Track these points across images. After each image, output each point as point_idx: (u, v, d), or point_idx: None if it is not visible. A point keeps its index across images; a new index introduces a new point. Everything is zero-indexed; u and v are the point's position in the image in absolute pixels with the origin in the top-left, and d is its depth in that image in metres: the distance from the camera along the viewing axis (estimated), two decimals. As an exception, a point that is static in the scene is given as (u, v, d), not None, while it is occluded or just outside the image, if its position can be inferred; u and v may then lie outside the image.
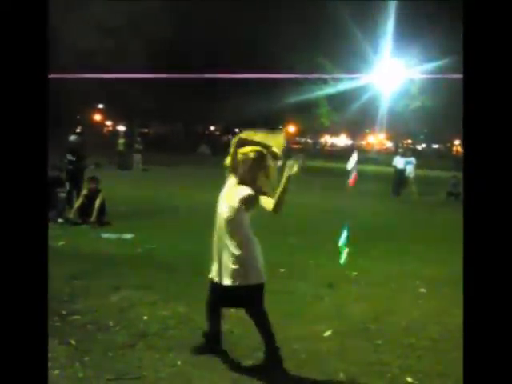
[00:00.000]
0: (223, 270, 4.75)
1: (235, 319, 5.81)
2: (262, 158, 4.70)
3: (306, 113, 51.21)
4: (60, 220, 11.73)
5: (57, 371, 4.54)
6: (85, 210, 11.86)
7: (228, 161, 4.85)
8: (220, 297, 4.90)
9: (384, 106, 39.73)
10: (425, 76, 37.19)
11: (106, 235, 10.56)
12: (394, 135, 66.72)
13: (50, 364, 4.64)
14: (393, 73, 35.60)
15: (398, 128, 53.56)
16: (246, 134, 4.83)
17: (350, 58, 36.58)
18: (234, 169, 4.83)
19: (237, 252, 4.67)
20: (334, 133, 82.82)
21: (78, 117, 60.78)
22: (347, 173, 5.17)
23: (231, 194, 4.75)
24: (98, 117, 63.72)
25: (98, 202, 11.88)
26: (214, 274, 4.88)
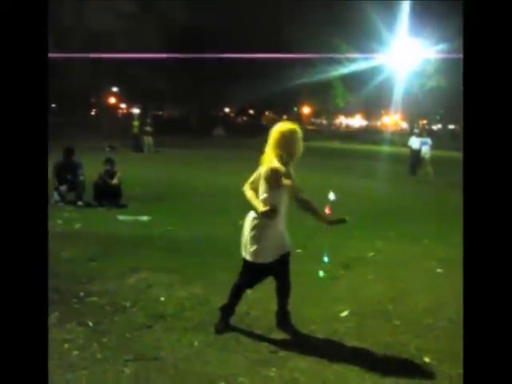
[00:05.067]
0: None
1: (252, 301, 5.82)
2: None
3: (320, 94, 51.06)
4: (80, 203, 11.78)
5: (75, 352, 4.58)
6: (100, 193, 11.89)
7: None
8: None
9: (399, 86, 39.52)
10: (440, 56, 36.85)
11: (122, 217, 10.59)
12: (409, 116, 66.31)
13: (68, 345, 4.69)
14: (408, 53, 35.31)
15: (413, 108, 53.26)
16: None
17: (364, 38, 36.31)
18: None
19: None
20: (349, 114, 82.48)
21: (93, 100, 61.06)
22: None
23: None
24: (112, 100, 63.78)
25: (114, 184, 11.92)
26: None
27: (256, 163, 5.12)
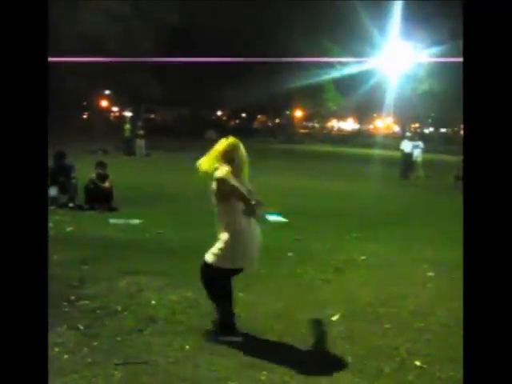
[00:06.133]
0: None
1: (243, 303, 5.81)
2: None
3: (313, 97, 51.15)
4: (71, 205, 11.75)
5: (66, 356, 4.56)
6: (92, 196, 11.87)
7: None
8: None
9: (391, 89, 39.62)
10: (432, 59, 36.96)
11: (113, 221, 10.56)
12: (401, 119, 66.45)
13: (58, 349, 4.67)
14: (400, 56, 35.42)
15: (405, 112, 53.38)
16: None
17: (356, 42, 36.38)
18: None
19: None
20: (342, 117, 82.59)
21: (85, 103, 60.91)
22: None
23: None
24: (104, 102, 63.66)
25: (105, 187, 11.91)
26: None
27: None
